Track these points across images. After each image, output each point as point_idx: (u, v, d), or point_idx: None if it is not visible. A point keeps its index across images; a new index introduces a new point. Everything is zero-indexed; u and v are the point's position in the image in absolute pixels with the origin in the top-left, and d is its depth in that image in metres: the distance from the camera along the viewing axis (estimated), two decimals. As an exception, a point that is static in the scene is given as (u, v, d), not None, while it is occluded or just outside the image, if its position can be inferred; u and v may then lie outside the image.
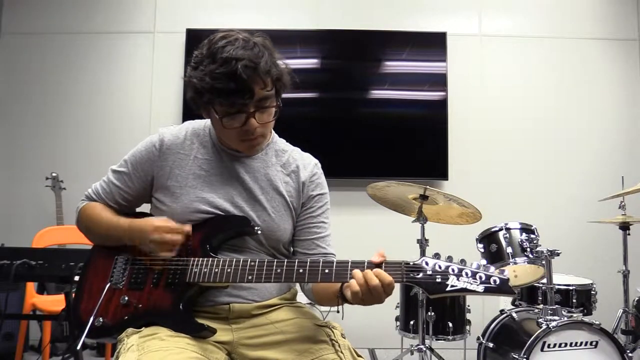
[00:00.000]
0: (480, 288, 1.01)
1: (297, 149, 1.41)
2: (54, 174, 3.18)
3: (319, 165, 1.41)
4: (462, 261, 1.05)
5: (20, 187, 3.42)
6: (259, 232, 1.24)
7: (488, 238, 2.34)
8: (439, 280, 1.03)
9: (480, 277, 1.02)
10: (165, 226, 1.20)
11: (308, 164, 1.37)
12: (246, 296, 1.24)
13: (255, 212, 1.27)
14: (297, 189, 1.34)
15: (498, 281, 1.01)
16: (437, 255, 1.07)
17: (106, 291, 1.22)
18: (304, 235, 1.34)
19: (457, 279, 1.02)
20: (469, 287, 1.01)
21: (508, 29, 3.57)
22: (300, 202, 1.34)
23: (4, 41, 3.54)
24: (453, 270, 1.03)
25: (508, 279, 1.01)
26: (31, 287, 2.52)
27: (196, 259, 1.20)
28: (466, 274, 1.02)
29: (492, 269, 1.03)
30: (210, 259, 1.19)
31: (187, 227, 1.22)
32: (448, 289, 1.02)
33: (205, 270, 1.18)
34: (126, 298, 1.20)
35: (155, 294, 1.20)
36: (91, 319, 1.18)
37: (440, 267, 1.04)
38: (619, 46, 3.58)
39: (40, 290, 2.81)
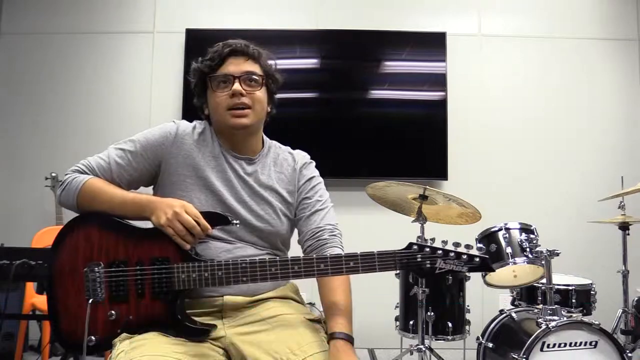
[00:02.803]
0: (465, 268, 1.14)
1: (288, 148, 1.51)
2: (53, 174, 3.18)
3: (308, 156, 1.51)
4: (444, 242, 1.16)
5: (20, 187, 3.42)
6: (238, 225, 1.26)
7: (488, 238, 2.34)
8: (428, 265, 1.15)
9: (464, 259, 1.14)
10: (193, 212, 1.20)
11: (300, 159, 1.47)
12: (240, 288, 1.24)
13: (255, 212, 1.33)
14: (293, 183, 1.42)
15: (479, 260, 1.14)
16: (431, 240, 1.18)
17: (88, 308, 1.16)
18: (300, 213, 1.41)
19: (444, 262, 1.15)
20: (455, 268, 1.14)
21: (508, 29, 3.57)
22: (296, 190, 1.42)
23: (3, 41, 3.54)
24: (439, 254, 1.15)
25: (488, 257, 1.15)
26: (31, 287, 2.53)
27: (180, 264, 1.17)
28: (451, 256, 1.15)
29: (473, 249, 1.16)
30: (197, 263, 1.17)
31: (210, 229, 1.20)
32: (437, 271, 1.15)
33: (194, 275, 1.16)
34: (113, 312, 1.16)
35: (144, 304, 1.17)
36: (85, 342, 1.14)
37: (427, 252, 1.15)
38: (619, 46, 3.57)
39: (40, 290, 2.80)
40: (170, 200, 1.23)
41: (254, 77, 1.35)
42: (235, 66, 1.34)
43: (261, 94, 1.37)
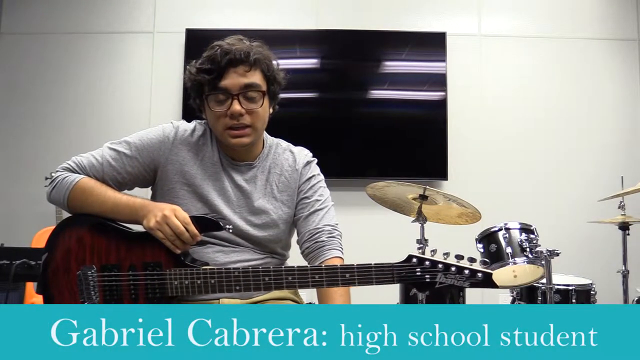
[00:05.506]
0: (467, 284, 1.07)
1: (289, 146, 1.45)
2: (53, 174, 3.17)
3: (310, 154, 1.46)
4: (446, 254, 1.08)
5: (20, 187, 3.41)
6: (230, 230, 1.22)
7: (487, 238, 2.33)
8: (427, 279, 1.08)
9: (466, 273, 1.07)
10: (183, 216, 1.17)
11: (301, 159, 1.42)
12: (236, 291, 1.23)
13: (251, 222, 1.31)
14: (293, 185, 1.38)
15: (482, 276, 1.06)
16: (432, 252, 1.11)
17: None
18: (298, 213, 1.38)
19: (445, 276, 1.08)
20: (456, 283, 1.07)
21: (508, 29, 3.57)
22: (296, 191, 1.38)
23: (3, 41, 3.54)
24: (440, 268, 1.08)
25: (491, 274, 1.07)
26: (31, 287, 2.53)
27: (172, 270, 1.17)
28: (452, 270, 1.07)
29: (477, 263, 1.08)
30: (189, 269, 1.16)
31: (199, 236, 1.18)
32: (437, 286, 1.08)
33: (187, 282, 1.15)
34: None
35: None
36: None
37: (427, 265, 1.08)
38: (619, 46, 3.57)
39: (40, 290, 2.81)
40: (162, 204, 1.22)
41: (255, 91, 1.27)
42: (234, 80, 1.25)
43: (262, 108, 1.29)
